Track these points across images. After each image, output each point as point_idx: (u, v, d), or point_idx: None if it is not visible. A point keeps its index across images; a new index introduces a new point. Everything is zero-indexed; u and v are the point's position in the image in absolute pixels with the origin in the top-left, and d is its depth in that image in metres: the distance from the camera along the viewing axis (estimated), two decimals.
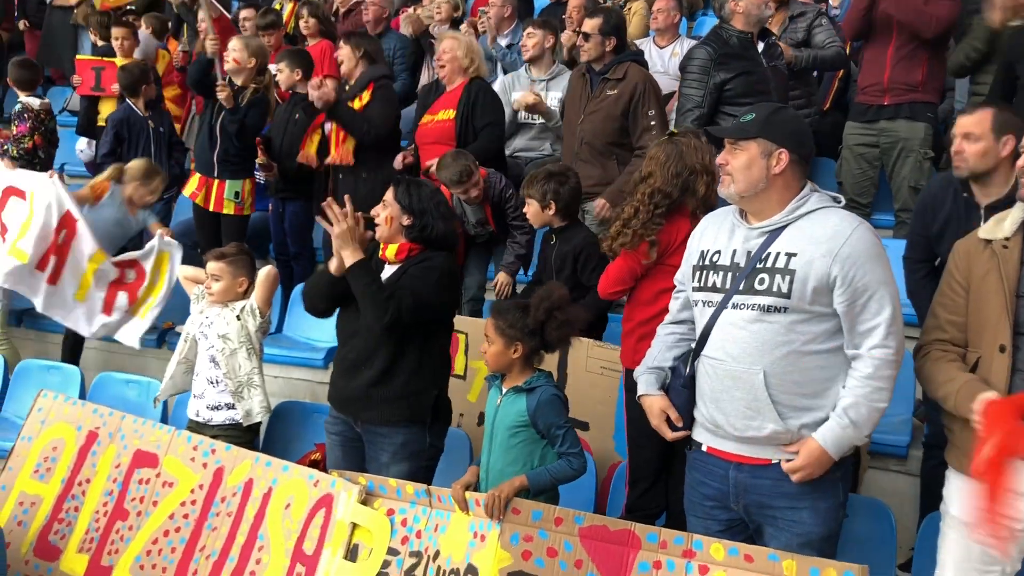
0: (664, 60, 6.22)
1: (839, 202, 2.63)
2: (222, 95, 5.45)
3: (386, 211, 3.36)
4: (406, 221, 3.35)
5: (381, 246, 3.42)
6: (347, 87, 5.45)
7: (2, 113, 8.34)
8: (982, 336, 2.50)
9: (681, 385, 2.76)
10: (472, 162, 4.62)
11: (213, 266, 3.97)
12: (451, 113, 5.08)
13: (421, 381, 3.36)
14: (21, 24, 9.14)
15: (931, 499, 3.51)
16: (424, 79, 6.72)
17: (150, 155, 5.94)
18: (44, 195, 5.06)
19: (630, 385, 3.47)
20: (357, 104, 5.25)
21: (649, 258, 3.34)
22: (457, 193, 4.62)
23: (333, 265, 3.35)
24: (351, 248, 3.26)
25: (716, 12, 5.43)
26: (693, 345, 2.75)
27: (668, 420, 2.78)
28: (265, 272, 3.95)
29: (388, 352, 3.31)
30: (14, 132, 6.29)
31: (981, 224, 3.24)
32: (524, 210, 4.31)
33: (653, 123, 4.73)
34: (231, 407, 3.92)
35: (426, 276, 3.30)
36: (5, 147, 6.26)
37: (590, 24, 4.91)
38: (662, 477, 3.45)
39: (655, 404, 2.81)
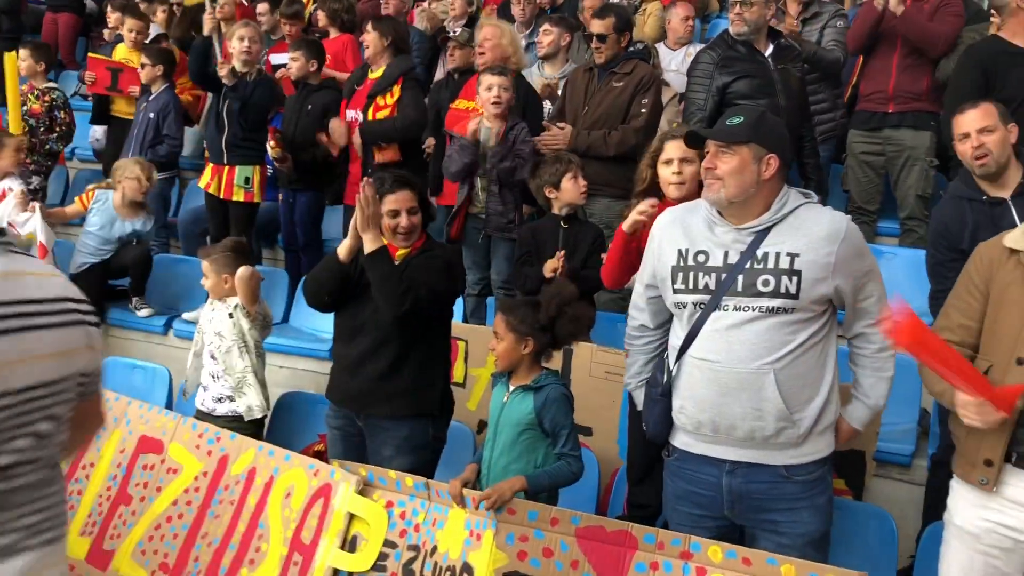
0: (679, 61, 6.22)
1: (811, 198, 2.65)
2: (223, 71, 5.44)
3: (414, 217, 3.36)
4: (419, 220, 3.39)
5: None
6: (371, 71, 5.42)
7: None
8: (998, 346, 2.46)
9: (660, 394, 2.73)
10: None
11: (203, 264, 4.07)
12: None
13: (429, 373, 3.38)
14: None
15: (934, 513, 3.51)
16: (439, 75, 6.72)
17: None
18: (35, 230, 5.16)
19: None
20: (389, 99, 5.21)
21: None
22: (499, 86, 4.56)
23: (343, 249, 3.33)
24: (374, 234, 3.23)
25: None
26: (668, 350, 2.75)
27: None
28: (239, 274, 3.95)
29: (396, 346, 3.31)
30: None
31: (1015, 218, 3.30)
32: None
33: (643, 111, 4.77)
34: (232, 400, 3.99)
35: (432, 266, 3.32)
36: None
37: (603, 24, 4.87)
38: (657, 473, 3.44)
39: None
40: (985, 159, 3.42)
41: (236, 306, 3.98)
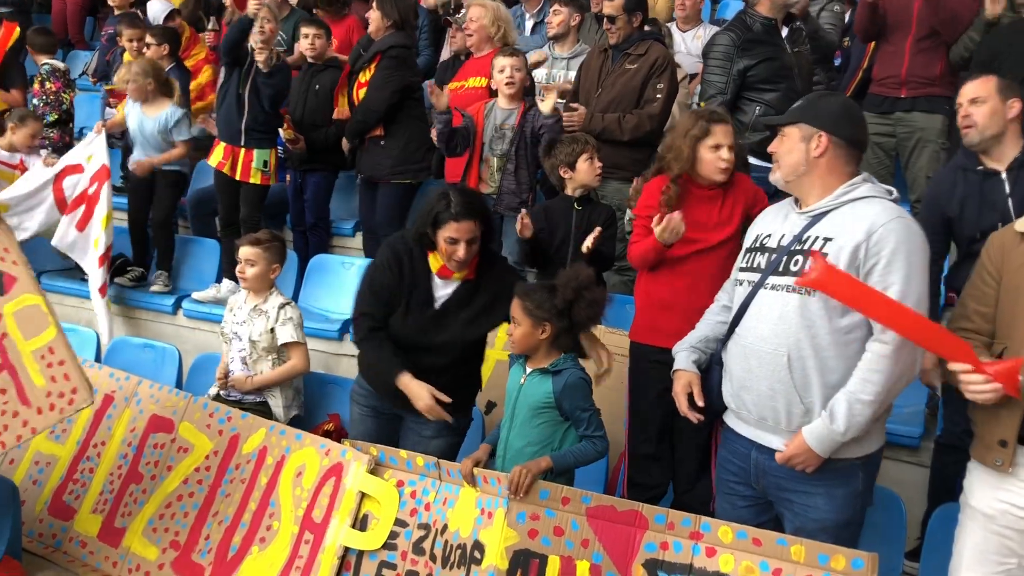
0: (687, 42, 6.19)
1: (891, 195, 2.61)
2: (261, 57, 5.31)
3: (473, 246, 3.17)
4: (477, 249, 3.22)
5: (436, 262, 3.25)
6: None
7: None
8: (1012, 329, 2.45)
9: (715, 361, 2.84)
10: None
11: (248, 251, 4.00)
12: (483, 81, 5.01)
13: (475, 378, 3.47)
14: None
15: (939, 496, 3.51)
16: (445, 54, 6.68)
17: None
18: (97, 152, 5.45)
19: (635, 354, 3.51)
20: (367, 76, 5.22)
21: None
22: (511, 67, 4.57)
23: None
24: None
25: None
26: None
27: (690, 398, 2.81)
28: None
29: (460, 362, 3.31)
30: (53, 88, 6.58)
31: (1006, 189, 3.33)
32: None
33: (659, 96, 4.74)
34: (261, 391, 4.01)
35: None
36: (44, 111, 6.43)
37: (613, 5, 4.82)
38: (663, 453, 3.44)
39: (682, 378, 2.85)
40: (969, 130, 3.41)
41: (281, 307, 3.95)
